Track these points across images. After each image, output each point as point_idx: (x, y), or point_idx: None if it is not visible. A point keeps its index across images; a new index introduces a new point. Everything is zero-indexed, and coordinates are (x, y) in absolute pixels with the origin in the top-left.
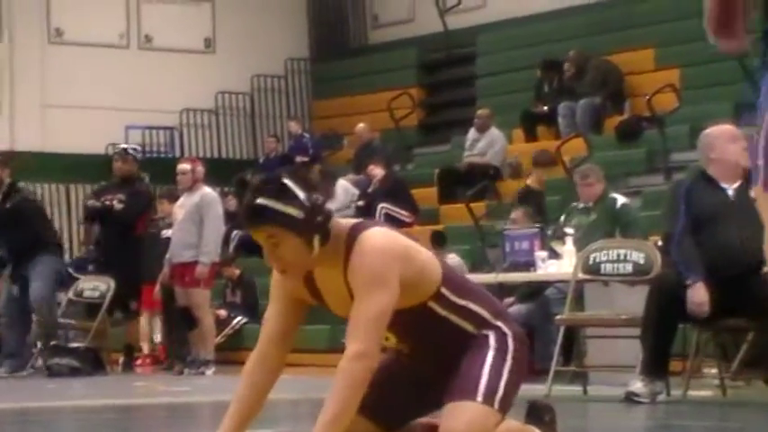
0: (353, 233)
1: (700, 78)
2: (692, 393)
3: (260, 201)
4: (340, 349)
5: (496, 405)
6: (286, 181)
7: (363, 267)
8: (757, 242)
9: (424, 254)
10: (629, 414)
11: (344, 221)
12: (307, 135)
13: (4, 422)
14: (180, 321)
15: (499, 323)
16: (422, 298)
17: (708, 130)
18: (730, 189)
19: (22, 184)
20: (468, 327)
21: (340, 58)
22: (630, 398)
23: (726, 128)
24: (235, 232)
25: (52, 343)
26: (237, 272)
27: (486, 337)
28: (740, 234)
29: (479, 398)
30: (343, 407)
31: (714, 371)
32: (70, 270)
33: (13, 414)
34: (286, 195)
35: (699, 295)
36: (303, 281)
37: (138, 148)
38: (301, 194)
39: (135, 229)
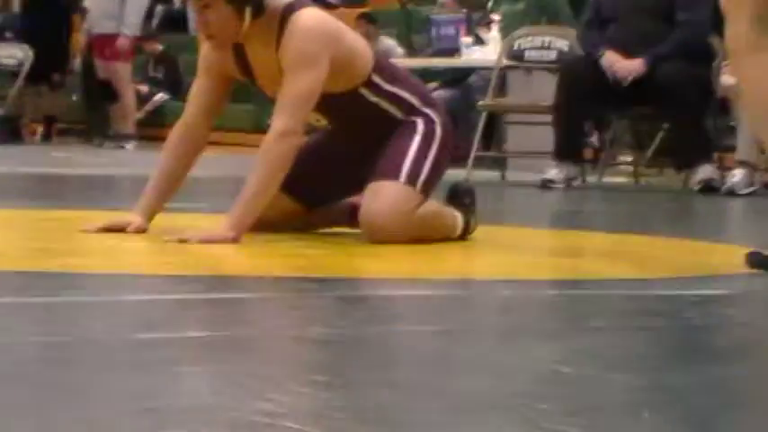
0: (286, 12)
1: None
2: (607, 180)
3: None
4: (265, 130)
5: (419, 187)
6: None
7: (294, 47)
8: (661, 35)
9: (356, 38)
10: (544, 198)
11: (278, 0)
12: None
13: None
14: (99, 95)
15: (428, 110)
16: (353, 83)
17: None
18: None
19: None
20: (397, 113)
21: None
22: (546, 184)
23: None
24: (159, 7)
25: None
26: (160, 47)
27: (414, 122)
28: (644, 26)
29: (402, 179)
30: (266, 183)
31: (630, 159)
32: None
33: None
34: None
35: (610, 58)
36: (234, 56)
37: None
38: None
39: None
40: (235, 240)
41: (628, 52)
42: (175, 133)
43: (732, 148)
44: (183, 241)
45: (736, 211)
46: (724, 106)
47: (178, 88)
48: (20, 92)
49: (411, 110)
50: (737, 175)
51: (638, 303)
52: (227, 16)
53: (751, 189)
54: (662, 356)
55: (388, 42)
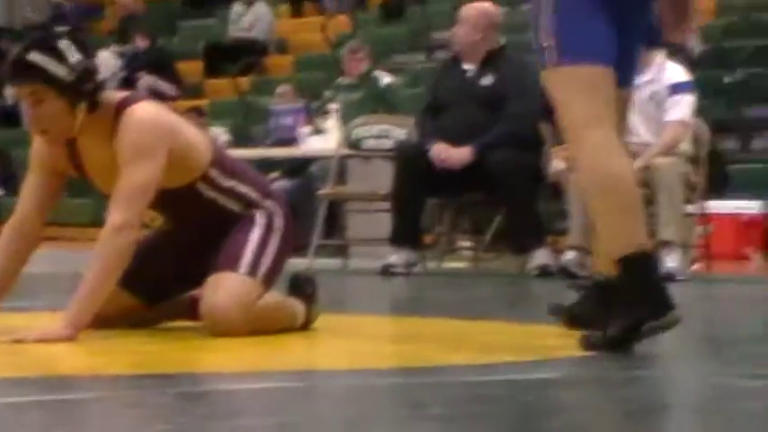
0: (121, 106)
1: None
2: (447, 265)
3: (31, 56)
4: (103, 224)
5: (259, 278)
6: (62, 41)
7: (130, 140)
8: (492, 122)
9: (193, 132)
10: (386, 285)
11: (114, 94)
12: (66, 4)
13: None
14: None
15: (267, 203)
16: (190, 177)
17: (462, 9)
18: (471, 70)
19: None
20: (236, 207)
21: None
22: (387, 270)
23: (475, 7)
24: None
25: None
26: None
27: (254, 216)
28: (474, 116)
29: (242, 270)
30: (103, 278)
31: (468, 244)
32: None
33: None
34: (58, 55)
35: (439, 151)
36: (66, 152)
37: None
38: (75, 57)
39: None
40: (71, 338)
41: (456, 141)
42: (7, 232)
43: (565, 232)
44: (17, 341)
45: (569, 293)
46: (556, 191)
47: (10, 183)
48: None
49: (250, 203)
50: (569, 254)
51: (477, 389)
52: (60, 111)
53: (584, 272)
54: None
55: (214, 131)
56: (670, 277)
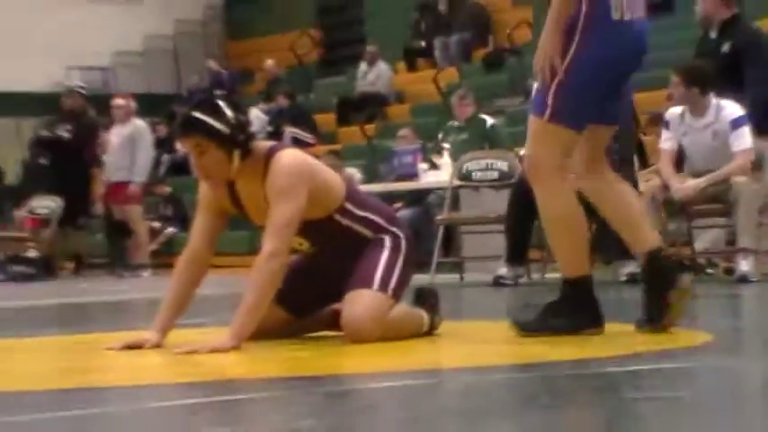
0: (270, 153)
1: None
2: (549, 276)
3: (195, 114)
4: (258, 252)
5: (390, 292)
6: (219, 102)
7: (277, 182)
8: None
9: (328, 173)
10: (498, 295)
11: (263, 143)
12: (224, 71)
13: None
14: (117, 233)
15: (393, 228)
16: (328, 210)
17: None
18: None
19: None
20: (367, 232)
21: (250, 3)
22: (497, 282)
23: None
24: (165, 156)
25: (10, 254)
26: (168, 189)
27: (383, 239)
28: None
29: (375, 286)
30: (260, 297)
31: None
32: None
33: None
34: (216, 113)
35: None
36: (227, 193)
37: (85, 86)
38: (229, 114)
39: (82, 155)
40: (236, 348)
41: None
42: (181, 262)
43: None
44: (192, 352)
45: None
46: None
47: (184, 222)
48: (53, 236)
49: (379, 229)
50: None
51: (579, 381)
52: (220, 160)
53: None
54: (600, 427)
55: (349, 171)
56: (743, 279)
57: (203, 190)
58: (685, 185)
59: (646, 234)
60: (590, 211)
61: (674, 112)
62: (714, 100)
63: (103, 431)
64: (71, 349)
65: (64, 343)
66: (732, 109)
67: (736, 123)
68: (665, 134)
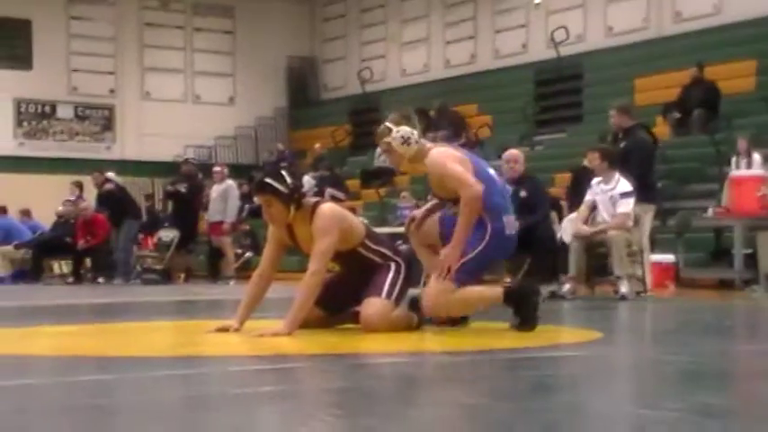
0: (315, 206)
1: (503, 121)
2: None
3: (265, 179)
4: (305, 271)
5: (393, 300)
6: (282, 171)
7: (319, 224)
8: (525, 218)
9: (354, 219)
10: None
11: (311, 199)
12: (287, 150)
13: (126, 307)
14: (214, 255)
15: (397, 258)
16: (352, 245)
17: (506, 153)
18: (511, 189)
19: (110, 175)
20: (379, 260)
21: (304, 107)
22: None
23: (510, 152)
24: (247, 205)
25: (144, 266)
26: (248, 227)
27: (389, 265)
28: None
29: (383, 295)
30: (305, 300)
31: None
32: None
33: (127, 303)
34: (279, 178)
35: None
36: (286, 232)
37: (196, 158)
38: (288, 180)
39: (194, 204)
40: (289, 334)
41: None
42: (255, 276)
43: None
44: (260, 335)
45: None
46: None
47: (258, 249)
48: (172, 255)
49: (386, 258)
50: (566, 285)
51: (499, 364)
52: (281, 210)
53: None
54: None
55: (363, 220)
56: (623, 298)
57: (271, 229)
58: (581, 228)
59: (492, 289)
60: (525, 246)
61: (595, 180)
62: (617, 175)
63: (199, 385)
64: (182, 329)
65: (176, 326)
66: (624, 185)
67: (623, 195)
68: (588, 193)
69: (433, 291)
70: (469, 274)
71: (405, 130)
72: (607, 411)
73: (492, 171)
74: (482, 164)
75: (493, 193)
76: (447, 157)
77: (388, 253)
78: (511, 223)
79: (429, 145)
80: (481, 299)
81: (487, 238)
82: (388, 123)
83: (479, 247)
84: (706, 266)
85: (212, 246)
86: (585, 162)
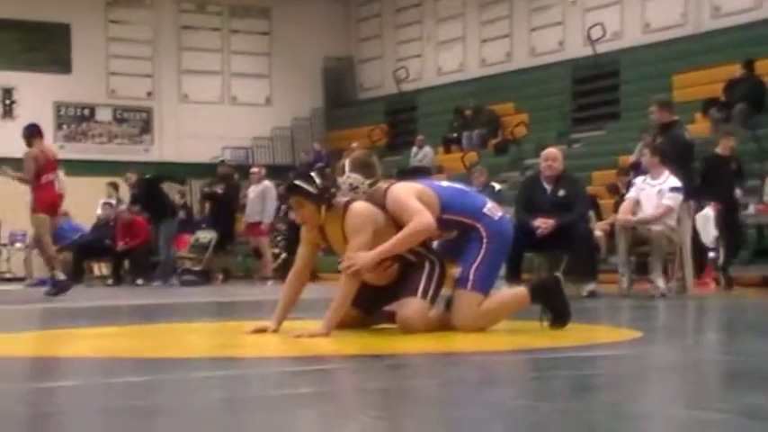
0: (347, 205)
1: (539, 119)
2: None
3: (296, 181)
4: (340, 271)
5: (429, 300)
6: (312, 173)
7: (352, 223)
8: (562, 216)
9: (387, 219)
10: None
11: (342, 199)
12: (323, 151)
13: (164, 308)
14: (252, 255)
15: (431, 256)
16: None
17: (544, 151)
18: (549, 188)
19: (148, 177)
20: (413, 258)
21: (341, 107)
22: None
23: (548, 150)
24: (283, 206)
25: (184, 267)
26: (284, 227)
27: (423, 263)
28: (550, 213)
29: (419, 295)
30: (343, 300)
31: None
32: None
33: (166, 304)
34: (310, 180)
35: (537, 222)
36: (319, 233)
37: (232, 159)
38: (318, 181)
39: (231, 205)
40: (327, 335)
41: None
42: (290, 276)
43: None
44: (297, 336)
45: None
46: (596, 247)
47: (294, 249)
48: (210, 256)
49: (420, 256)
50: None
51: (543, 363)
52: (312, 211)
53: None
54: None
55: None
56: (663, 296)
57: (304, 231)
58: (626, 218)
59: (513, 292)
60: (563, 245)
61: (640, 177)
62: (666, 171)
63: (237, 387)
64: (220, 331)
65: (215, 326)
66: (674, 181)
67: (672, 189)
68: (632, 190)
69: (464, 304)
70: (486, 278)
71: (355, 177)
72: (650, 412)
73: (457, 184)
74: (441, 185)
75: (465, 196)
76: (408, 193)
77: (422, 251)
78: (496, 209)
79: (384, 185)
80: (507, 304)
81: (485, 235)
82: (345, 163)
83: (482, 250)
84: (748, 264)
85: (250, 246)
86: (718, 149)
